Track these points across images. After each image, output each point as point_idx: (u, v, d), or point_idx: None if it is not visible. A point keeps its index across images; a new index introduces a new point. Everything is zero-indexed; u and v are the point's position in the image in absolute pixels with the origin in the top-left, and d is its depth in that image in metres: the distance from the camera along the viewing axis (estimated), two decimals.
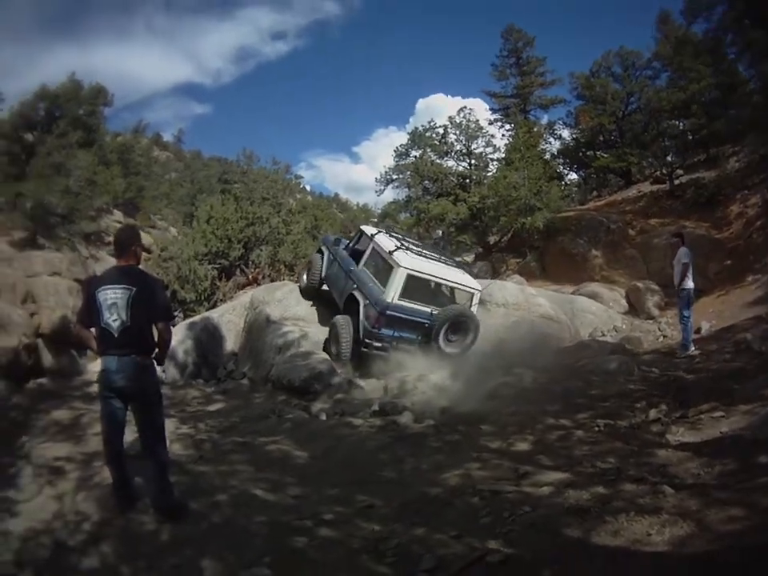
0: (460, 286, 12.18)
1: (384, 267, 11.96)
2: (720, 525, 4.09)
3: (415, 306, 11.62)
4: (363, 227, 14.04)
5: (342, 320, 12.22)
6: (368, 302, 11.81)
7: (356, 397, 11.00)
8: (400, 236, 13.30)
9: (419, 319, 11.62)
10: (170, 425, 8.69)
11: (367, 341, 11.64)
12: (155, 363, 5.59)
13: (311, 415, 9.69)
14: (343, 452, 7.17)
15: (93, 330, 5.48)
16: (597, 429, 6.67)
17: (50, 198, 22.32)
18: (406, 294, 11.53)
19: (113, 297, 5.29)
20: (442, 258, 12.89)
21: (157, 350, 5.56)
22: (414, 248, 12.51)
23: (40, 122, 30.73)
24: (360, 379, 11.65)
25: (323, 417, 9.42)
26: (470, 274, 12.97)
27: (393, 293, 11.46)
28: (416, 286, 11.66)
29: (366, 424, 8.45)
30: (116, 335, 5.26)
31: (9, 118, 30.40)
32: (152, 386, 5.57)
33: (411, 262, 11.71)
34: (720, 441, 5.80)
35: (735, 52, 21.86)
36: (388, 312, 11.42)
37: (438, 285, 12.14)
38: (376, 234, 12.95)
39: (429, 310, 11.66)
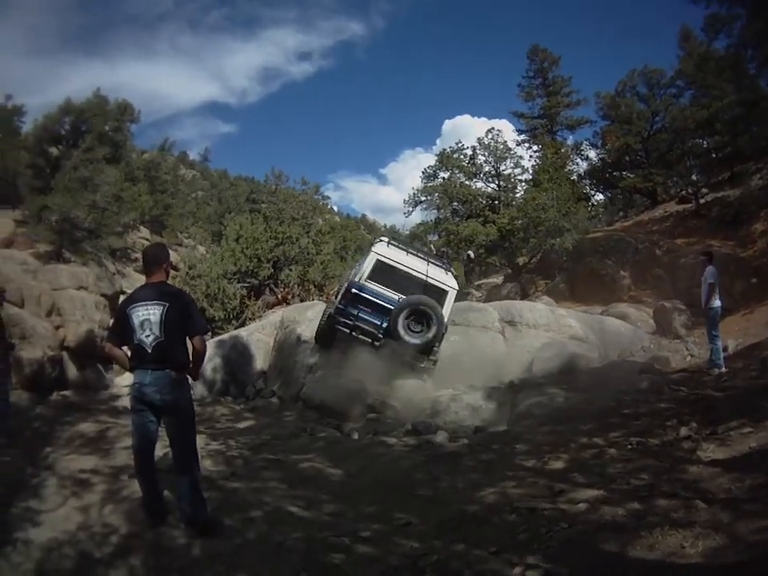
0: (432, 281, 12.35)
1: (364, 257, 13.24)
2: (750, 536, 4.19)
3: (382, 291, 12.14)
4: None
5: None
6: (346, 284, 12.81)
7: (389, 416, 11.17)
8: (399, 243, 13.60)
9: (385, 304, 12.06)
10: (199, 441, 8.67)
11: (336, 316, 12.23)
12: (189, 379, 5.65)
13: (343, 434, 9.80)
14: (378, 470, 7.19)
15: (125, 348, 5.57)
16: (629, 447, 6.72)
17: (76, 213, 22.36)
18: (375, 277, 12.17)
19: (145, 314, 5.37)
20: (430, 258, 13.14)
21: (191, 365, 5.58)
22: (401, 246, 13.04)
23: (65, 136, 30.94)
24: (392, 401, 11.76)
25: (355, 436, 9.49)
26: (453, 275, 13.12)
27: (361, 273, 12.27)
28: (386, 272, 12.20)
29: (399, 443, 8.55)
30: (150, 351, 5.32)
31: (33, 131, 30.72)
32: (185, 401, 5.60)
33: (384, 249, 12.47)
34: (749, 456, 5.83)
35: (756, 67, 21.93)
36: (353, 290, 12.12)
37: (416, 279, 12.28)
38: (376, 240, 13.54)
39: (397, 297, 12.09)
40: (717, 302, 11.63)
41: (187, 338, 5.51)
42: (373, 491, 6.52)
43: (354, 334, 12.17)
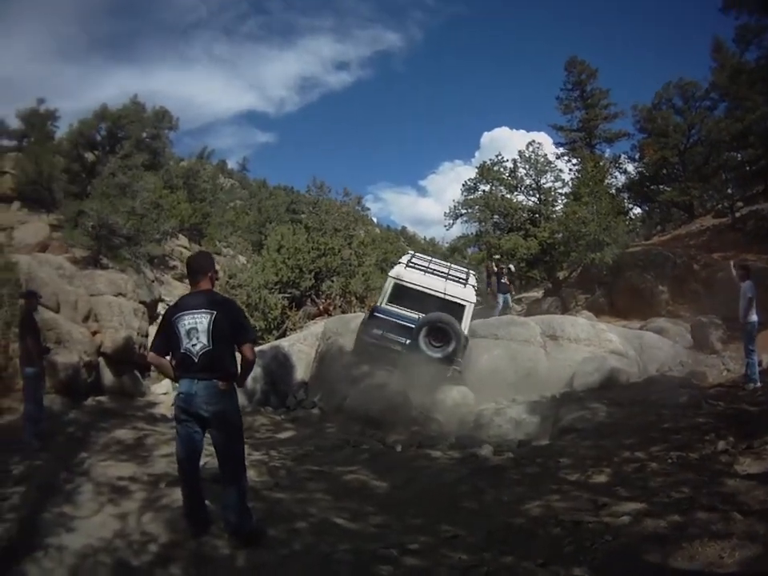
0: (450, 297, 13.23)
1: (385, 279, 14.47)
2: None
3: (402, 312, 13.17)
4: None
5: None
6: (374, 309, 13.80)
7: (432, 429, 11.29)
8: (425, 258, 15.10)
9: (405, 323, 13.01)
10: None
11: (364, 337, 13.50)
12: (236, 387, 5.61)
13: (386, 446, 9.92)
14: (423, 483, 7.28)
15: (170, 358, 5.54)
16: (670, 461, 6.90)
17: (114, 218, 22.13)
18: (394, 300, 13.29)
19: (192, 322, 5.34)
20: (451, 274, 14.02)
21: (239, 375, 5.58)
22: (422, 263, 14.17)
23: (101, 142, 31.09)
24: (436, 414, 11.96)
25: (399, 448, 9.63)
26: (473, 287, 13.92)
27: (382, 298, 13.49)
28: (404, 294, 13.28)
29: (444, 456, 8.65)
30: (196, 360, 5.30)
31: (68, 136, 30.76)
32: (233, 412, 5.56)
33: (401, 272, 13.60)
34: None
35: None
36: (375, 313, 13.34)
37: (434, 297, 13.20)
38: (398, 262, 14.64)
39: (417, 316, 13.02)
40: (754, 317, 11.70)
41: (235, 347, 5.52)
42: (418, 503, 6.58)
43: (380, 349, 13.14)
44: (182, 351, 5.35)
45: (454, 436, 10.39)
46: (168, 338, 5.47)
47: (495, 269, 22.94)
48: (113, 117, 31.26)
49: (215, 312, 5.39)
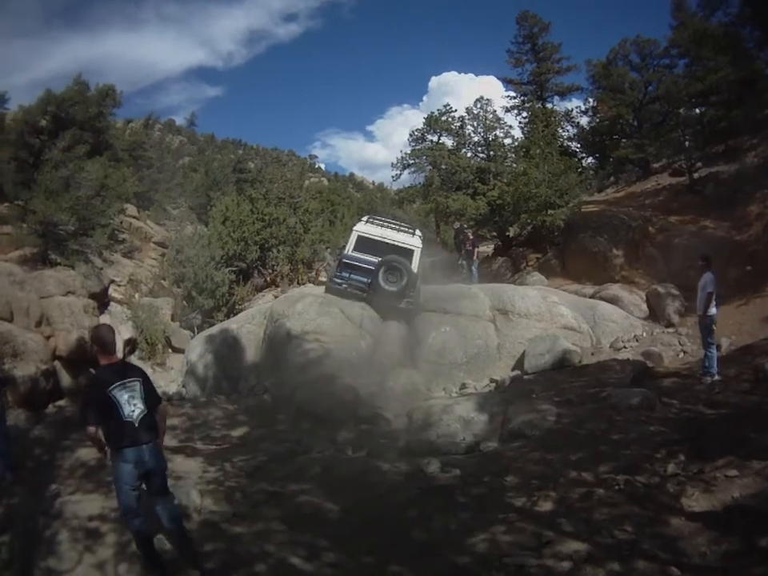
0: (401, 244, 15.89)
1: (349, 234, 17.10)
2: None
3: (365, 257, 15.74)
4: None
5: None
6: (339, 256, 17.40)
7: (381, 427, 11.34)
8: (380, 218, 17.86)
9: (368, 266, 15.57)
10: (195, 466, 8.98)
11: (334, 279, 16.24)
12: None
13: (337, 447, 10.19)
14: (373, 507, 7.29)
15: (102, 427, 5.83)
16: (617, 487, 6.82)
17: (59, 216, 21.87)
18: (358, 248, 15.98)
19: (130, 391, 5.78)
20: (402, 227, 16.89)
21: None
22: (379, 221, 16.97)
23: (46, 127, 29.96)
24: (385, 411, 11.98)
25: (350, 451, 9.90)
26: (419, 237, 16.48)
27: (348, 247, 16.25)
28: (366, 243, 15.94)
29: (393, 470, 8.58)
30: (137, 425, 5.72)
31: (14, 124, 29.82)
32: (165, 462, 6.16)
33: (362, 227, 16.45)
34: (730, 511, 5.97)
35: (754, 45, 21.64)
36: (344, 260, 16.15)
37: (389, 244, 15.82)
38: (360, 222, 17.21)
39: (376, 260, 15.51)
40: (713, 310, 11.58)
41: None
42: (369, 533, 6.67)
43: (349, 289, 15.72)
44: (124, 420, 5.71)
45: (403, 439, 10.35)
46: (104, 410, 5.73)
47: (471, 236, 23.33)
48: (57, 100, 30.51)
49: (141, 379, 5.96)
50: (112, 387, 5.71)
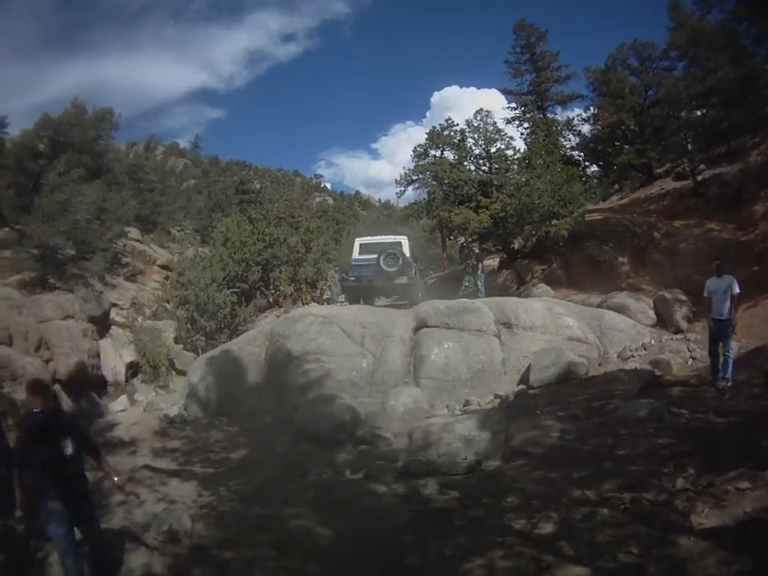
0: (391, 240, 20.30)
1: (353, 245, 21.00)
2: None
3: (368, 256, 19.17)
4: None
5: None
6: (351, 262, 20.34)
7: (380, 448, 11.11)
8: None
9: (370, 262, 18.91)
10: (190, 489, 8.93)
11: (348, 278, 20.04)
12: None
13: (335, 470, 10.08)
14: (367, 532, 7.03)
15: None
16: (622, 506, 6.46)
17: (56, 240, 22.14)
18: (362, 252, 19.79)
19: (65, 436, 5.78)
20: (390, 232, 22.94)
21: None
22: (373, 236, 21.89)
23: (44, 151, 30.67)
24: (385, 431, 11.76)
25: (348, 473, 9.73)
26: (405, 236, 21.18)
27: (354, 253, 20.16)
28: (367, 248, 19.87)
29: (389, 492, 8.39)
30: (76, 470, 5.85)
31: (12, 149, 30.34)
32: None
33: (362, 239, 21.05)
34: (742, 528, 5.60)
35: (751, 41, 21.39)
36: (352, 263, 19.85)
37: (383, 245, 19.57)
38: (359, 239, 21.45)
39: (377, 256, 18.86)
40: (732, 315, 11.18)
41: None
42: (362, 561, 6.44)
43: (360, 282, 19.28)
44: (61, 465, 5.69)
45: (402, 460, 9.90)
46: (42, 456, 5.62)
47: (477, 250, 23.88)
48: (54, 124, 31.11)
49: (73, 425, 6.16)
50: (51, 436, 5.75)
